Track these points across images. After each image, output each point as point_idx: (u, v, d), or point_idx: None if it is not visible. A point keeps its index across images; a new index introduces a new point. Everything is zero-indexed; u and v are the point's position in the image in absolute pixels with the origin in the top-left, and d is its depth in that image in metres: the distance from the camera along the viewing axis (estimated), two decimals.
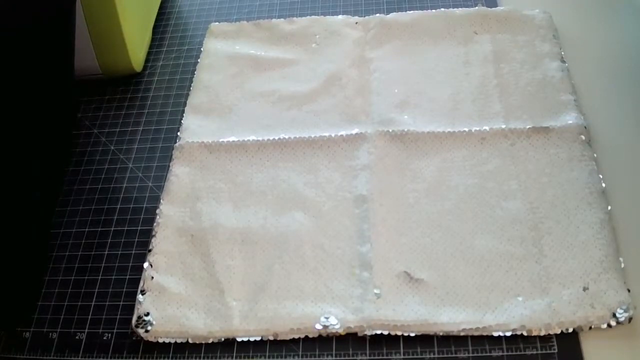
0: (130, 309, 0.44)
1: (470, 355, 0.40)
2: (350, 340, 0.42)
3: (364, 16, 0.62)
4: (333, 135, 0.52)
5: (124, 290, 0.46)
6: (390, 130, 0.51)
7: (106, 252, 0.48)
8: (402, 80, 0.55)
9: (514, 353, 0.40)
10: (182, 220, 0.48)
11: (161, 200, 0.50)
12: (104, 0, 0.54)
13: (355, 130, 0.52)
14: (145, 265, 0.46)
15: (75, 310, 0.45)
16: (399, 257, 0.44)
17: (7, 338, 0.44)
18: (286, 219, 0.47)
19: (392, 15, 0.61)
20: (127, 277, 0.46)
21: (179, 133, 0.54)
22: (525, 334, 0.40)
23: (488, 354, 0.40)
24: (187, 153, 0.52)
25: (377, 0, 0.64)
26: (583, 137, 0.49)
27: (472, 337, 0.41)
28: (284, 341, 0.42)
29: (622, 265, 0.42)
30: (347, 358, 0.41)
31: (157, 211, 0.49)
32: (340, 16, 0.62)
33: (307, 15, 0.63)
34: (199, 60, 0.61)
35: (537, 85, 0.53)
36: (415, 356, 0.40)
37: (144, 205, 0.51)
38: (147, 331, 0.43)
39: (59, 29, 0.47)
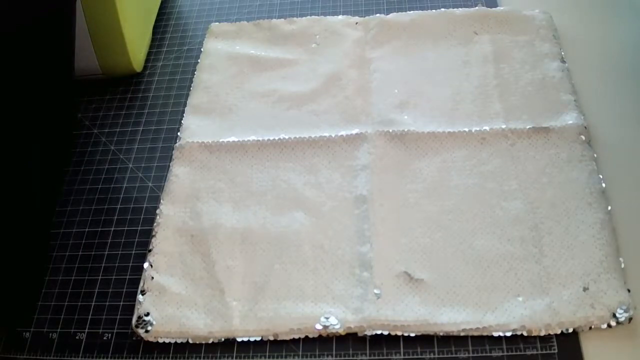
0: (131, 309, 0.44)
1: (470, 355, 0.40)
2: (350, 340, 0.42)
3: (364, 16, 0.62)
4: (333, 135, 0.52)
5: (124, 290, 0.46)
6: (391, 131, 0.51)
7: (106, 252, 0.48)
8: (402, 80, 0.55)
9: (514, 353, 0.40)
10: (182, 220, 0.48)
11: (161, 200, 0.50)
12: (104, 0, 0.54)
13: (355, 131, 0.52)
14: (145, 265, 0.46)
15: (75, 310, 0.45)
16: (399, 257, 0.44)
17: (7, 338, 0.44)
18: (286, 219, 0.47)
19: (392, 15, 0.61)
20: (127, 277, 0.46)
21: (179, 133, 0.54)
22: (525, 334, 0.40)
23: (488, 354, 0.40)
24: (187, 153, 0.52)
25: (377, 0, 0.64)
26: (583, 137, 0.49)
27: (472, 337, 0.41)
28: (284, 341, 0.42)
29: (622, 265, 0.42)
30: (347, 358, 0.41)
31: (157, 211, 0.49)
32: (340, 16, 0.62)
33: (307, 15, 0.63)
34: (199, 60, 0.61)
35: (537, 85, 0.53)
36: (415, 356, 0.40)
37: (144, 205, 0.51)
38: (147, 331, 0.43)
39: (58, 29, 0.47)
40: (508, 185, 0.47)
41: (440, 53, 0.57)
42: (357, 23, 0.61)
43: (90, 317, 0.45)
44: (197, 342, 0.42)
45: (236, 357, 0.42)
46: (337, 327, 0.41)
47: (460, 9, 0.60)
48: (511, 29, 0.58)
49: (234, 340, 0.42)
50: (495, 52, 0.56)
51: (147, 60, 0.63)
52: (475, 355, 0.40)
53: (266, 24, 0.63)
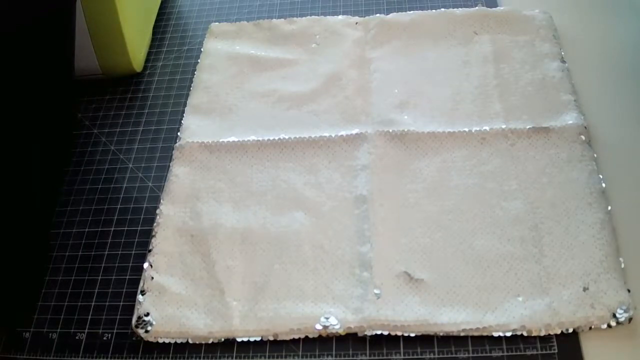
0: (130, 309, 0.44)
1: (470, 355, 0.40)
2: (350, 340, 0.42)
3: (364, 16, 0.62)
4: (333, 135, 0.52)
5: (124, 290, 0.46)
6: (391, 131, 0.51)
7: (106, 252, 0.48)
8: (402, 80, 0.55)
9: (514, 353, 0.40)
10: (182, 220, 0.48)
11: (161, 200, 0.50)
12: (104, 0, 0.54)
13: (355, 131, 0.52)
14: (145, 265, 0.46)
15: (75, 310, 0.45)
16: (399, 257, 0.44)
17: (7, 338, 0.44)
18: (286, 219, 0.47)
19: (392, 15, 0.61)
20: (127, 277, 0.46)
21: (179, 133, 0.54)
22: (525, 334, 0.40)
23: (488, 354, 0.40)
24: (187, 153, 0.52)
25: (377, 0, 0.64)
26: (583, 137, 0.49)
27: (472, 337, 0.41)
28: (284, 341, 0.42)
29: (622, 265, 0.42)
30: (347, 358, 0.41)
31: (157, 211, 0.49)
32: (340, 16, 0.62)
33: (307, 15, 0.63)
34: (199, 60, 0.61)
35: (537, 85, 0.53)
36: (415, 356, 0.40)
37: (144, 205, 0.51)
38: (147, 331, 0.43)
39: (58, 29, 0.47)
40: (508, 185, 0.47)
41: (440, 53, 0.57)
42: (357, 23, 0.61)
43: (90, 317, 0.45)
44: (197, 342, 0.42)
45: (236, 357, 0.42)
46: (337, 327, 0.41)
47: (460, 9, 0.60)
48: (511, 29, 0.58)
49: (234, 340, 0.42)
50: (495, 52, 0.56)
51: (147, 60, 0.63)
52: (475, 355, 0.40)
53: (266, 24, 0.63)
